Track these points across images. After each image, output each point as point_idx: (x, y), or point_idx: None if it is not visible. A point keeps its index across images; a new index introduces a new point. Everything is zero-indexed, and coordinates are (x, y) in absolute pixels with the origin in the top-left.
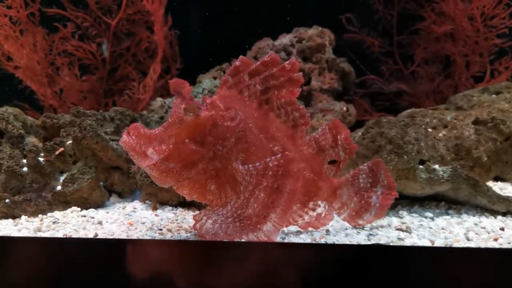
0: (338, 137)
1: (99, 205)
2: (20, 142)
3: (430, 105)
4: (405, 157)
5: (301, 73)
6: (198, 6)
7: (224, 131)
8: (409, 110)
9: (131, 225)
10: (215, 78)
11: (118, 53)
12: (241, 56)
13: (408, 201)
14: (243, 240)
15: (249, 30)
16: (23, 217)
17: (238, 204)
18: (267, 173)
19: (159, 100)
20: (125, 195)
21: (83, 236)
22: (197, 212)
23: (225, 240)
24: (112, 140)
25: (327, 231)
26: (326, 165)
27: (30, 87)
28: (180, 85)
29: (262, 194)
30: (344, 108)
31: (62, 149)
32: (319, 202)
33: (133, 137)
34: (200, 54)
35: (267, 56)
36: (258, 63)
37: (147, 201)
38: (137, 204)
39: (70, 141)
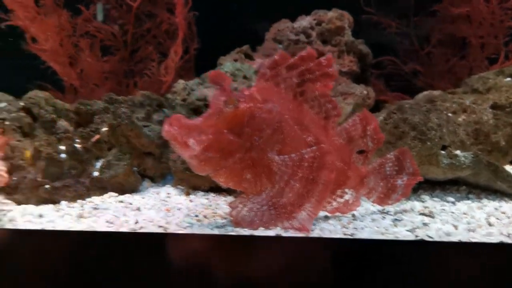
0: (367, 127)
1: (133, 190)
2: (52, 127)
3: (444, 86)
4: (428, 143)
5: (335, 67)
6: None
7: (261, 122)
8: (426, 92)
9: (169, 211)
10: (235, 60)
11: (139, 34)
12: (280, 50)
13: (429, 185)
14: (278, 227)
15: (267, 11)
16: (63, 203)
17: (273, 193)
18: (303, 164)
19: (181, 82)
20: (156, 179)
21: (124, 222)
22: (228, 197)
23: (261, 227)
24: (144, 126)
25: (353, 216)
26: (355, 155)
27: (52, 68)
28: (220, 77)
29: (297, 185)
30: (365, 92)
31: (98, 136)
32: (347, 190)
33: (175, 127)
34: (218, 35)
35: (304, 51)
36: (296, 57)
37: (178, 186)
38: (169, 189)
39: (105, 128)
